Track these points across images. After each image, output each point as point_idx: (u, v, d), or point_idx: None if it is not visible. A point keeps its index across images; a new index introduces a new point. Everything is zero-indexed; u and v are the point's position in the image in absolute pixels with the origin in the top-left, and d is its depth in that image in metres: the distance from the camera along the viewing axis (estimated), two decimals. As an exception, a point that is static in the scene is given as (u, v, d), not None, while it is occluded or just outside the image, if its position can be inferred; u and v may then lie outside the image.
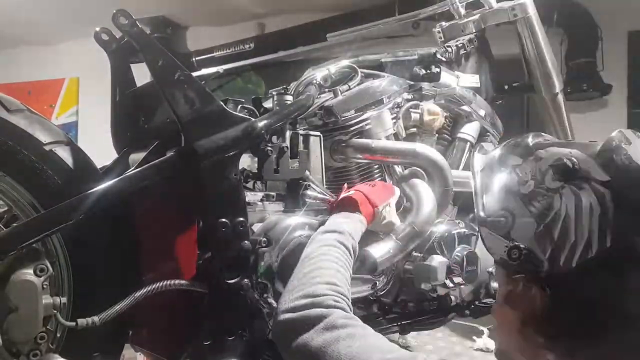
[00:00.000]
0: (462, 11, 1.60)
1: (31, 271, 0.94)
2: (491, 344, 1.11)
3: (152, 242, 1.09)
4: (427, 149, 1.35)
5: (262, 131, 1.10)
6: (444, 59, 1.54)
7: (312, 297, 0.89)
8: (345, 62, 1.46)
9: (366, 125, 1.35)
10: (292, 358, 0.88)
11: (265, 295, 1.09)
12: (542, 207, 0.77)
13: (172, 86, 1.00)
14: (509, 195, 0.83)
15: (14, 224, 0.96)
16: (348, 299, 0.92)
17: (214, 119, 1.04)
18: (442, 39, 1.61)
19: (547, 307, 0.74)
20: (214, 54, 3.76)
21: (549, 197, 0.77)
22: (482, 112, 1.61)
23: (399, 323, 1.42)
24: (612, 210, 0.72)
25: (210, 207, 1.04)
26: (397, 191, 1.25)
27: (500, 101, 1.78)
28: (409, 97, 1.46)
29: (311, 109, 1.29)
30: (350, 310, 0.91)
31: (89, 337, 0.99)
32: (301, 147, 1.23)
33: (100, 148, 1.28)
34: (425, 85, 1.47)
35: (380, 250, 1.15)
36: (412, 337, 2.26)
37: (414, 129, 1.46)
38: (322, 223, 1.11)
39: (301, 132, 1.24)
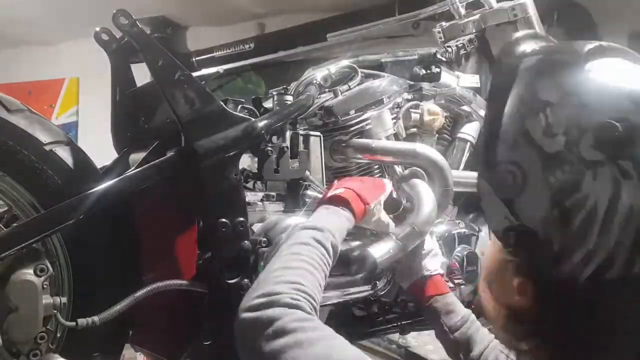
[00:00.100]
0: (462, 11, 1.60)
1: (31, 271, 0.94)
2: (496, 341, 1.11)
3: (152, 242, 1.09)
4: (427, 149, 1.35)
5: (262, 131, 1.10)
6: (444, 59, 1.54)
7: (269, 296, 0.78)
8: (345, 62, 1.46)
9: (366, 125, 1.35)
10: None
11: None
12: (566, 182, 0.54)
13: (172, 86, 1.00)
14: (525, 145, 0.57)
15: (14, 224, 0.96)
16: (314, 300, 0.82)
17: (214, 119, 1.04)
18: (442, 39, 1.61)
19: (538, 308, 0.59)
20: (214, 54, 3.76)
21: (578, 172, 0.53)
22: (482, 112, 1.60)
23: (399, 323, 1.42)
24: None
25: (210, 207, 1.04)
26: (389, 186, 1.19)
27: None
28: (409, 97, 1.46)
29: (311, 109, 1.29)
30: (314, 311, 0.81)
31: (89, 337, 0.99)
32: (301, 147, 1.22)
33: (100, 148, 1.27)
34: (425, 85, 1.47)
35: (380, 250, 1.15)
36: (412, 337, 2.26)
37: (414, 129, 1.46)
38: None
39: (301, 132, 1.24)
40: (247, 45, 3.63)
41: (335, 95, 1.35)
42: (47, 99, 4.51)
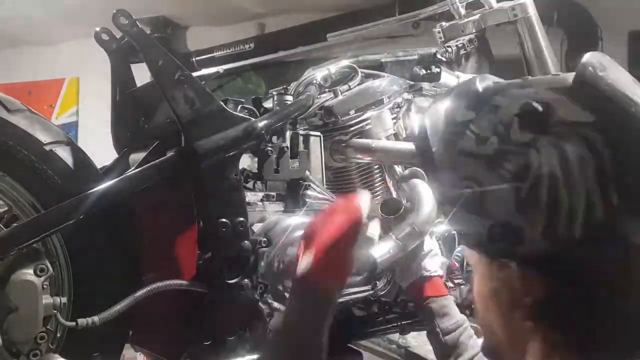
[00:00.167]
0: (462, 11, 1.60)
1: (31, 271, 0.94)
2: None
3: (152, 242, 1.09)
4: (427, 149, 1.35)
5: (262, 131, 1.10)
6: (444, 59, 1.53)
7: None
8: (345, 62, 1.46)
9: (366, 125, 1.35)
10: None
11: (265, 295, 1.09)
12: (515, 167, 0.58)
13: (172, 86, 1.00)
14: (468, 160, 0.63)
15: (14, 224, 0.96)
16: None
17: (214, 119, 1.04)
18: (442, 39, 1.61)
19: (546, 292, 0.59)
20: (214, 54, 3.76)
21: (522, 154, 0.58)
22: (482, 112, 1.60)
23: (399, 323, 1.42)
24: (609, 157, 0.55)
25: (210, 207, 1.04)
26: (365, 200, 0.88)
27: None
28: (409, 97, 1.46)
29: (311, 109, 1.29)
30: None
31: (89, 337, 0.99)
32: (301, 147, 1.22)
33: (100, 148, 1.27)
34: (425, 85, 1.47)
35: (380, 250, 1.15)
36: (412, 337, 2.25)
37: (414, 129, 1.46)
38: None
39: (301, 132, 1.24)
40: (247, 45, 3.63)
41: (335, 95, 1.35)
42: (47, 99, 4.51)
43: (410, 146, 1.35)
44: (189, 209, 1.09)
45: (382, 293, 1.34)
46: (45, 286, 0.95)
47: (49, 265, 0.96)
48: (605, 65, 0.60)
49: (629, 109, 0.57)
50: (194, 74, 1.07)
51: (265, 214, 1.17)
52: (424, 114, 0.74)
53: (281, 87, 1.30)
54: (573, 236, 0.56)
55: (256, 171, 1.17)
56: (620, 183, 0.55)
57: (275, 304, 1.10)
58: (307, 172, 1.22)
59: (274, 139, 1.16)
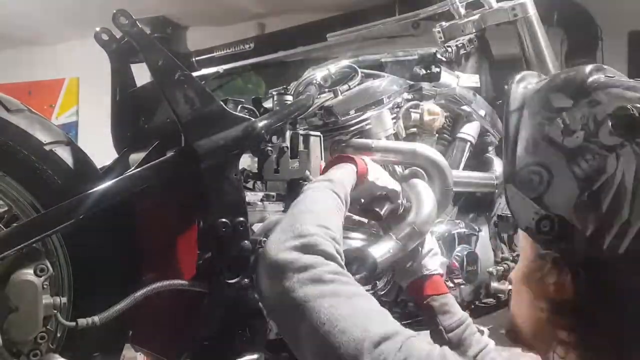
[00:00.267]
0: (462, 11, 1.60)
1: (31, 271, 0.94)
2: (492, 344, 1.11)
3: (152, 242, 1.09)
4: (427, 149, 1.35)
5: (262, 131, 1.10)
6: (444, 59, 1.54)
7: (303, 238, 0.81)
8: (345, 62, 1.46)
9: (366, 125, 1.35)
10: (271, 304, 0.82)
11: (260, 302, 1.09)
12: (591, 169, 0.59)
13: (172, 86, 1.00)
14: (548, 147, 0.64)
15: (14, 224, 0.96)
16: (340, 245, 0.86)
17: (214, 119, 1.04)
18: (442, 39, 1.61)
19: (579, 294, 0.61)
20: (214, 54, 3.75)
21: (602, 157, 0.59)
22: (482, 112, 1.61)
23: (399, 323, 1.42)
24: None
25: (211, 207, 1.04)
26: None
27: (500, 101, 1.78)
28: (409, 97, 1.46)
29: (311, 109, 1.29)
30: (342, 259, 0.84)
31: (89, 337, 0.99)
32: (301, 147, 1.22)
33: (100, 148, 1.27)
34: (425, 85, 1.47)
35: (380, 250, 1.15)
36: (412, 337, 2.26)
37: (414, 129, 1.46)
38: None
39: (301, 132, 1.24)
40: (247, 45, 3.63)
41: (335, 95, 1.35)
42: (47, 99, 4.51)
43: (410, 146, 1.35)
44: (189, 209, 1.09)
45: (382, 293, 1.34)
46: (45, 286, 0.95)
47: (49, 265, 0.96)
48: None
49: None
50: (194, 74, 1.07)
51: (265, 214, 1.17)
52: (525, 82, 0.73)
53: (281, 87, 1.30)
54: (617, 250, 0.57)
55: (256, 171, 1.17)
56: None
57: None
58: (307, 172, 1.22)
59: (274, 139, 1.16)
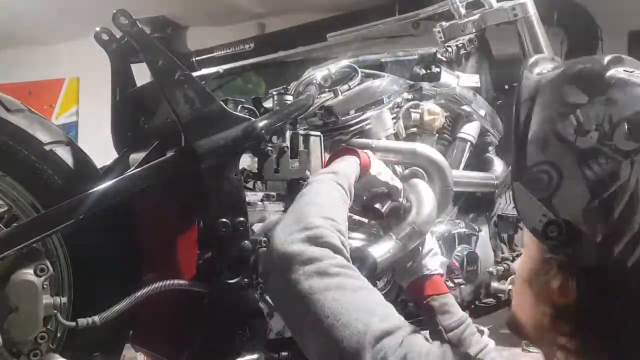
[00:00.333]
0: (462, 11, 1.60)
1: (31, 271, 0.94)
2: (492, 344, 1.10)
3: (152, 242, 1.09)
4: (427, 149, 1.35)
5: (262, 131, 1.10)
6: (444, 58, 1.54)
7: (309, 230, 0.82)
8: (345, 62, 1.46)
9: (366, 125, 1.35)
10: (276, 296, 0.82)
11: (265, 295, 1.09)
12: (603, 173, 0.56)
13: (172, 86, 1.00)
14: (559, 145, 0.60)
15: (14, 224, 0.96)
16: (345, 237, 0.87)
17: (214, 119, 1.04)
18: (442, 38, 1.61)
19: (583, 301, 0.59)
20: (214, 54, 3.75)
21: (616, 162, 0.55)
22: (482, 112, 1.61)
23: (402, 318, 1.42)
24: None
25: (211, 207, 1.04)
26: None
27: (500, 101, 1.78)
28: (409, 97, 1.46)
29: (311, 109, 1.29)
30: (347, 250, 0.85)
31: (89, 337, 0.99)
32: (301, 147, 1.22)
33: (100, 148, 1.28)
34: (425, 85, 1.47)
35: (380, 250, 1.15)
36: (412, 337, 2.25)
37: (414, 129, 1.46)
38: None
39: (301, 132, 1.24)
40: (247, 45, 3.62)
41: (335, 95, 1.35)
42: (47, 99, 4.51)
43: (410, 146, 1.35)
44: (189, 209, 1.09)
45: (382, 293, 1.34)
46: (45, 286, 0.95)
47: (49, 265, 0.96)
48: None
49: None
50: (194, 74, 1.07)
51: (265, 214, 1.17)
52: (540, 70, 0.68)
53: (281, 87, 1.30)
54: (626, 261, 0.55)
55: (256, 171, 1.17)
56: None
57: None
58: (307, 172, 1.22)
59: (274, 139, 1.16)
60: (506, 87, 1.78)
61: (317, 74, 1.38)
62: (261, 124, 1.10)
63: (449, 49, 1.55)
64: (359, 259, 1.12)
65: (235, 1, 3.62)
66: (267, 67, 3.60)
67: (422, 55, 1.52)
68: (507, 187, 1.58)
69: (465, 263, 1.37)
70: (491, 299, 1.58)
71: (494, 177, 1.59)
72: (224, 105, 1.08)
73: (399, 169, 1.40)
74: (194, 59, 3.84)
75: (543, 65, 0.69)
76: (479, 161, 1.65)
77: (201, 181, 1.03)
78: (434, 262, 1.23)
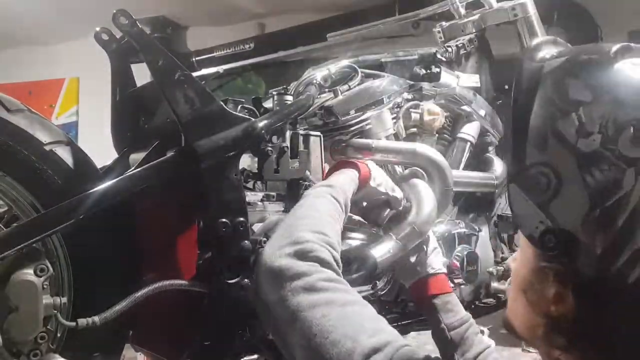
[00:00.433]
0: (462, 11, 1.60)
1: (31, 271, 0.94)
2: (493, 345, 1.10)
3: (152, 242, 1.09)
4: (427, 149, 1.35)
5: (262, 131, 1.10)
6: (444, 59, 1.53)
7: (298, 245, 0.79)
8: (345, 62, 1.46)
9: (366, 125, 1.35)
10: (264, 312, 0.80)
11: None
12: (605, 180, 0.51)
13: (172, 86, 1.00)
14: (559, 146, 0.55)
15: (14, 224, 0.96)
16: (337, 251, 0.85)
17: (214, 119, 1.04)
18: (442, 39, 1.61)
19: (579, 313, 0.55)
20: (214, 54, 3.75)
21: (619, 169, 0.51)
22: (482, 112, 1.61)
23: (399, 323, 1.42)
24: None
25: (211, 207, 1.04)
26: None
27: (500, 101, 1.78)
28: (409, 97, 1.46)
29: (311, 109, 1.29)
30: (339, 265, 0.83)
31: (89, 337, 0.99)
32: (301, 147, 1.22)
33: (100, 148, 1.28)
34: (425, 85, 1.47)
35: (380, 250, 1.15)
36: (412, 337, 2.25)
37: (414, 129, 1.46)
38: None
39: (301, 132, 1.24)
40: (247, 45, 3.62)
41: (335, 95, 1.35)
42: (47, 99, 4.50)
43: (410, 146, 1.35)
44: (189, 209, 1.09)
45: (382, 293, 1.34)
46: (45, 286, 0.95)
47: (49, 265, 0.96)
48: None
49: None
50: (194, 74, 1.07)
51: (265, 214, 1.17)
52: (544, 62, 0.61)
53: (281, 87, 1.30)
54: (627, 276, 0.51)
55: (256, 171, 1.17)
56: None
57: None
58: (307, 172, 1.22)
59: (274, 139, 1.16)
60: (506, 87, 1.78)
61: (317, 74, 1.38)
62: (261, 124, 1.10)
63: (449, 49, 1.55)
64: (359, 259, 1.12)
65: (235, 1, 3.61)
66: (267, 67, 3.60)
67: (422, 55, 1.52)
68: (506, 187, 1.58)
69: (465, 263, 1.37)
70: (491, 299, 1.58)
71: (494, 177, 1.59)
72: (224, 105, 1.07)
73: (399, 169, 1.40)
74: (194, 59, 3.84)
75: (546, 50, 0.63)
76: (479, 161, 1.65)
77: (201, 181, 1.03)
78: (438, 260, 1.23)
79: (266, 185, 1.22)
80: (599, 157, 0.52)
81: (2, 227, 0.96)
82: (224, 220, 1.03)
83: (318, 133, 1.28)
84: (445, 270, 1.24)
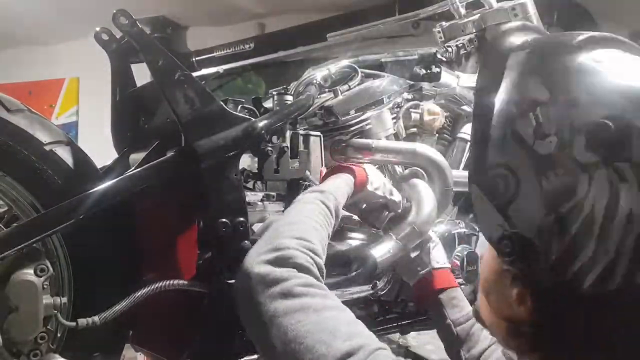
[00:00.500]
0: (462, 11, 1.60)
1: (31, 271, 0.94)
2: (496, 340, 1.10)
3: (152, 242, 1.09)
4: (427, 149, 1.35)
5: (262, 131, 1.10)
6: (444, 59, 1.53)
7: (278, 251, 0.78)
8: (345, 62, 1.46)
9: (366, 125, 1.35)
10: (244, 318, 0.79)
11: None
12: (561, 186, 0.50)
13: (172, 86, 1.00)
14: (517, 147, 0.53)
15: (14, 224, 0.96)
16: (320, 257, 0.83)
17: (214, 119, 1.04)
18: (442, 39, 1.61)
19: (538, 320, 0.56)
20: (214, 54, 3.75)
21: (573, 175, 0.49)
22: (482, 112, 1.60)
23: (399, 323, 1.42)
24: None
25: (211, 207, 1.04)
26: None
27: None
28: (409, 97, 1.46)
29: (311, 109, 1.29)
30: (321, 272, 0.81)
31: (89, 337, 0.99)
32: (301, 147, 1.22)
33: (100, 148, 1.28)
34: (425, 85, 1.47)
35: (380, 250, 1.15)
36: (412, 337, 2.26)
37: (414, 129, 1.46)
38: None
39: (301, 132, 1.24)
40: (247, 45, 3.62)
41: (335, 95, 1.35)
42: (47, 99, 4.50)
43: (410, 146, 1.35)
44: (189, 209, 1.09)
45: (382, 293, 1.34)
46: (45, 286, 0.95)
47: (49, 265, 0.96)
48: None
49: None
50: (194, 74, 1.07)
51: (265, 214, 1.17)
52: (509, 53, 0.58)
53: (281, 87, 1.30)
54: (580, 283, 0.50)
55: (256, 171, 1.17)
56: None
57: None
58: (307, 172, 1.22)
59: (274, 139, 1.16)
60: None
61: (317, 74, 1.38)
62: (261, 124, 1.10)
63: (449, 49, 1.55)
64: (359, 259, 1.12)
65: (235, 1, 3.62)
66: (267, 67, 3.61)
67: (422, 55, 1.52)
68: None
69: (465, 263, 1.37)
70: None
71: (494, 177, 1.59)
72: (224, 105, 1.07)
73: (399, 169, 1.40)
74: (194, 59, 3.84)
75: (513, 38, 0.61)
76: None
77: (201, 181, 1.03)
78: (442, 255, 1.22)
79: (266, 185, 1.22)
80: (554, 161, 0.50)
81: (2, 227, 0.96)
82: (224, 220, 1.03)
83: (318, 133, 1.28)
84: (449, 265, 1.24)
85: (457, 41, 1.59)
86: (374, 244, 1.18)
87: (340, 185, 1.05)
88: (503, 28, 0.57)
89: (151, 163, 1.01)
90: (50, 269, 0.96)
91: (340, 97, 1.35)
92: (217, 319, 1.06)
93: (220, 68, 1.92)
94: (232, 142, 1.05)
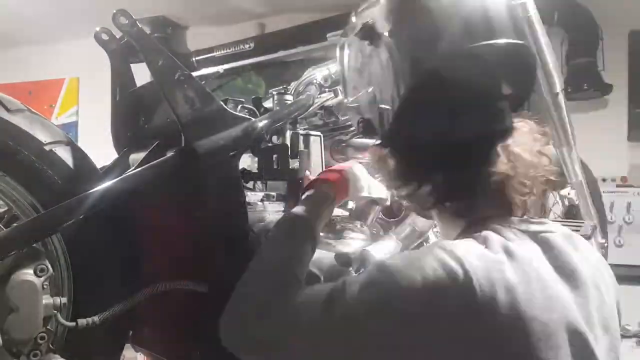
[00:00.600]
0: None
1: (31, 271, 0.93)
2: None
3: (153, 242, 1.09)
4: (428, 149, 1.35)
5: (262, 131, 1.10)
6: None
7: (259, 309, 0.83)
8: (345, 62, 1.45)
9: (366, 125, 1.35)
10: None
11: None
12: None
13: (172, 86, 1.00)
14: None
15: (14, 224, 0.96)
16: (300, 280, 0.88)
17: (214, 119, 1.04)
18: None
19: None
20: (214, 54, 3.76)
21: None
22: (482, 112, 1.60)
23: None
24: None
25: (210, 207, 1.04)
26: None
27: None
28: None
29: (311, 109, 1.29)
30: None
31: (89, 337, 0.99)
32: (301, 147, 1.22)
33: (100, 148, 1.28)
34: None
35: (380, 251, 1.15)
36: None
37: (414, 129, 1.46)
38: None
39: (301, 132, 1.24)
40: (247, 45, 3.63)
41: (335, 95, 1.35)
42: (47, 99, 4.51)
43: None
44: (189, 209, 1.09)
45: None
46: (45, 286, 0.95)
47: (49, 265, 0.96)
48: None
49: None
50: (194, 74, 1.07)
51: (265, 214, 1.17)
52: None
53: (281, 87, 1.30)
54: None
55: (256, 171, 1.17)
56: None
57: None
58: (307, 172, 1.22)
59: (274, 139, 1.16)
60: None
61: (317, 74, 1.38)
62: (261, 124, 1.10)
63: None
64: (359, 259, 1.12)
65: (235, 1, 3.62)
66: (267, 67, 3.61)
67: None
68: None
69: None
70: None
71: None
72: (224, 105, 1.07)
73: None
74: (194, 59, 3.85)
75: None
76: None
77: (201, 181, 1.03)
78: None
79: (266, 185, 1.22)
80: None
81: (2, 227, 0.96)
82: (224, 220, 1.03)
83: (318, 133, 1.28)
84: None
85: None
86: (374, 244, 1.17)
87: (317, 200, 1.04)
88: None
89: (151, 163, 1.01)
90: (50, 269, 0.96)
91: (340, 97, 1.35)
92: (217, 319, 1.05)
93: (220, 68, 1.92)
94: (232, 142, 1.04)
